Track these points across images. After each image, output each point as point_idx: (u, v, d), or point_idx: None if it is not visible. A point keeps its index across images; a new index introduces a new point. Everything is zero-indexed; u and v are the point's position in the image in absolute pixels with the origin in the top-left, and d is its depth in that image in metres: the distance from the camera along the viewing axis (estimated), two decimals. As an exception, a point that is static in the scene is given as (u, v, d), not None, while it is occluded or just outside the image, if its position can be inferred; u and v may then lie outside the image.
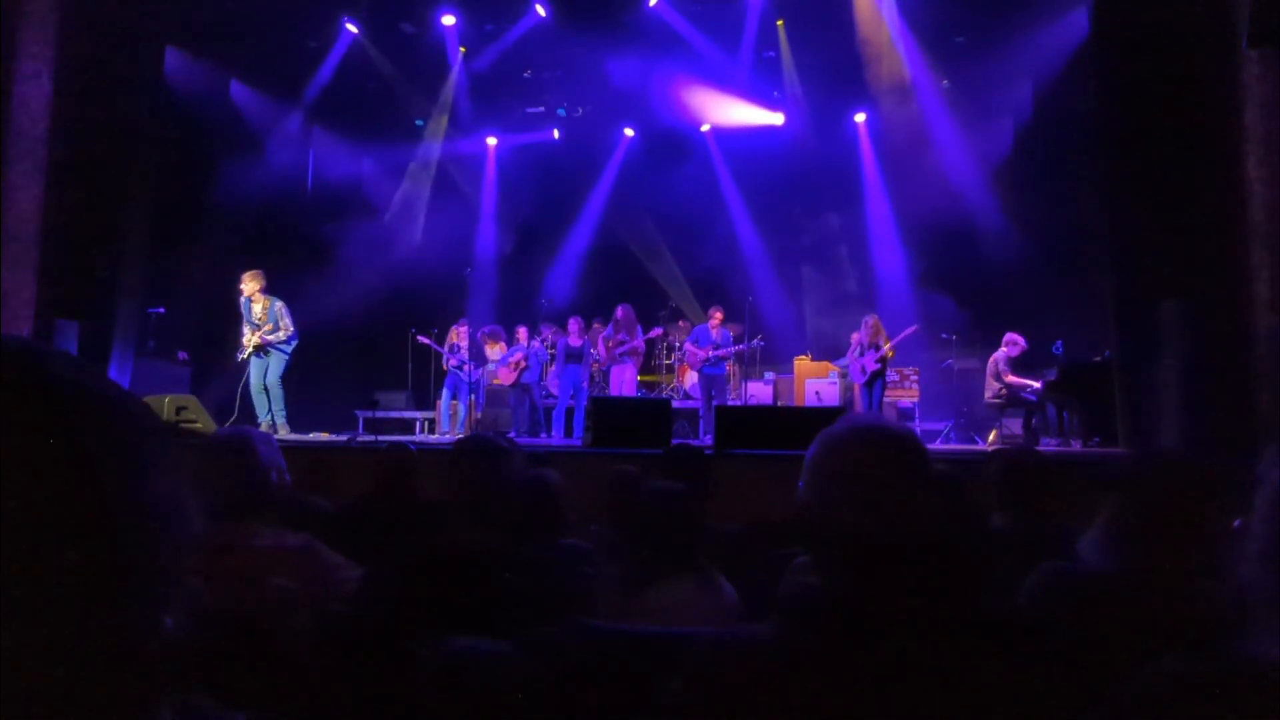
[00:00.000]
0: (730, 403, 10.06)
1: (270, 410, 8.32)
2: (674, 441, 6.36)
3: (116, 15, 8.08)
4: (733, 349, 9.96)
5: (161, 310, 9.31)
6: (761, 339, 11.01)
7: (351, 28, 11.11)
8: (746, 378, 10.86)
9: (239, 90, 10.81)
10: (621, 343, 10.13)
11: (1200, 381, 6.72)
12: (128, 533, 0.46)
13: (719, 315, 10.04)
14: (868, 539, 1.22)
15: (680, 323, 12.12)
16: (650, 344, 10.75)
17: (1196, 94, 6.85)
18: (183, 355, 9.56)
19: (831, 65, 11.37)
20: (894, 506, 1.23)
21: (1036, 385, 8.71)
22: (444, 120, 12.60)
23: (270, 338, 8.25)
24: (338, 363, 11.67)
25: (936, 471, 1.29)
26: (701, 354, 9.82)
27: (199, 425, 7.02)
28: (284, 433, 8.19)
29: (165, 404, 7.04)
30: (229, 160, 10.41)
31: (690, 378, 11.14)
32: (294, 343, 8.43)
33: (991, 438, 9.15)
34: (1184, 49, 6.85)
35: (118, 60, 8.10)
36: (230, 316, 8.66)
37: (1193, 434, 6.64)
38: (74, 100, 7.69)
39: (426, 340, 10.39)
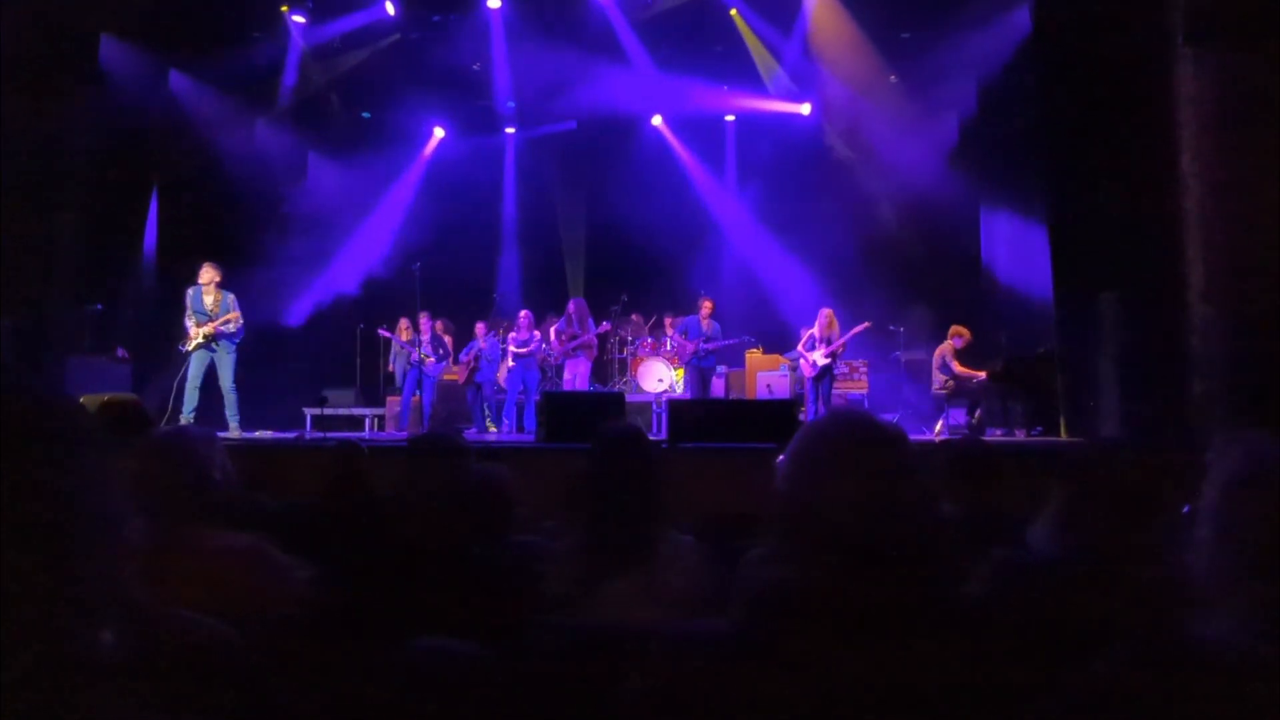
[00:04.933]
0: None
1: (229, 411, 8.27)
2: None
3: (50, 4, 7.82)
4: (723, 342, 9.86)
5: (100, 307, 9.04)
6: (752, 338, 10.91)
7: (298, 18, 10.88)
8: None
9: (178, 80, 10.51)
10: (573, 336, 10.06)
11: (1137, 370, 6.92)
12: (60, 539, 0.44)
13: (709, 306, 9.90)
14: (850, 533, 1.22)
15: (633, 317, 12.05)
16: (602, 339, 10.68)
17: (1133, 90, 7.03)
18: (122, 352, 9.29)
19: (789, 58, 11.47)
20: (881, 503, 1.23)
21: (981, 376, 8.88)
22: (392, 112, 12.43)
23: (225, 328, 8.21)
24: (284, 360, 11.44)
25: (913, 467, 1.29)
26: (690, 346, 9.69)
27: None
28: (236, 434, 8.08)
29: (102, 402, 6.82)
30: (169, 152, 10.13)
31: (644, 370, 11.10)
32: (241, 336, 8.41)
33: (938, 428, 9.30)
34: (1122, 46, 7.03)
35: (51, 49, 7.86)
36: (174, 311, 8.44)
37: (1130, 421, 6.84)
38: (5, 90, 7.43)
39: (387, 333, 10.34)
